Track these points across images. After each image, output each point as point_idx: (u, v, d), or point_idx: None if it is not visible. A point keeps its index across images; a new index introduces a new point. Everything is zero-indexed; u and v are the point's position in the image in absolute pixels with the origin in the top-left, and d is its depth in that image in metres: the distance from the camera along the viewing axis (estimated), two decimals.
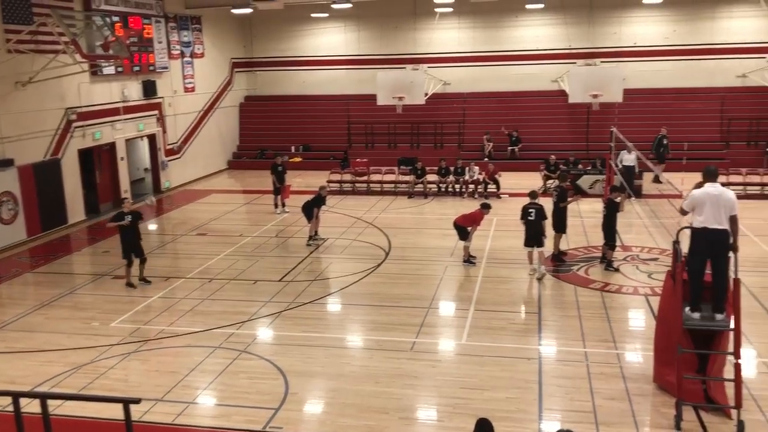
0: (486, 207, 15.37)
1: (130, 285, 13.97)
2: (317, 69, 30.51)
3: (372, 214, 20.16)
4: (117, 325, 12.08)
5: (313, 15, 28.79)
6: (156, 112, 24.16)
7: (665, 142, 23.62)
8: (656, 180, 21.93)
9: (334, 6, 25.19)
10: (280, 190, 20.57)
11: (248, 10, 24.97)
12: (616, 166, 20.73)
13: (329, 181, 23.92)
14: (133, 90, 22.71)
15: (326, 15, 28.84)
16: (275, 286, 13.91)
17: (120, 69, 21.69)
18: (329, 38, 30.23)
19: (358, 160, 25.64)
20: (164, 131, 24.68)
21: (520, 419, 8.52)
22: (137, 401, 5.72)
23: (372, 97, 25.94)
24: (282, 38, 30.62)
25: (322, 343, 11.10)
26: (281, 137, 29.49)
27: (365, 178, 24.32)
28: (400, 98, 24.85)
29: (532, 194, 14.66)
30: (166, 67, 24.44)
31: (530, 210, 14.19)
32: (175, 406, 9.13)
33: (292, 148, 29.06)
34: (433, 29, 28.71)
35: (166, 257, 16.66)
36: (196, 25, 26.75)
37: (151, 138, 24.25)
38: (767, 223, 17.53)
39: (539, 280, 13.86)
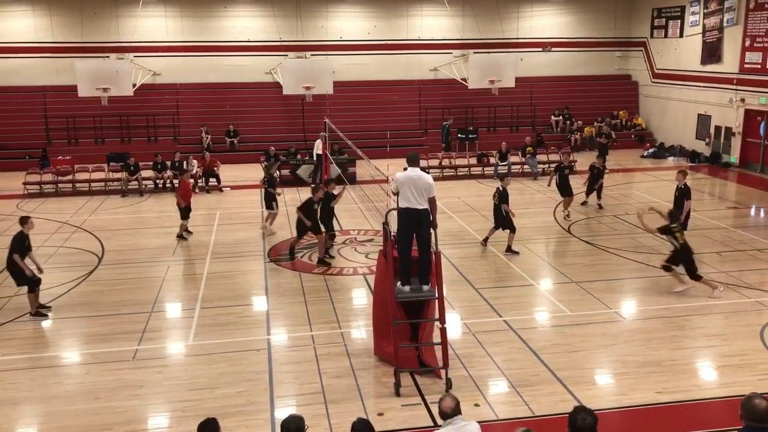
0: (184, 173, 16.94)
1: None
2: (3, 57, 26.94)
3: (80, 217, 18.49)
4: None
5: None
6: None
7: (450, 131, 25.88)
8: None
9: None
10: None
11: None
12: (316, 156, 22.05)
13: (26, 183, 21.42)
14: None
15: None
16: None
17: None
18: (16, 23, 26.90)
19: (60, 158, 23.37)
20: None
21: (251, 411, 8.51)
22: None
23: (72, 88, 23.77)
24: None
25: (27, 365, 9.90)
26: None
27: (69, 177, 22.20)
28: (105, 89, 23.11)
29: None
30: None
31: None
32: None
33: None
34: (138, 17, 27.12)
35: None
36: None
37: None
38: (461, 201, 19.77)
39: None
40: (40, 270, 11.80)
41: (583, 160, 25.63)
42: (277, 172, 18.73)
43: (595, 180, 18.64)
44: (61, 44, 27.07)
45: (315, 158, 22.41)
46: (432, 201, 9.26)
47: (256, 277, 13.72)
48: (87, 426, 8.25)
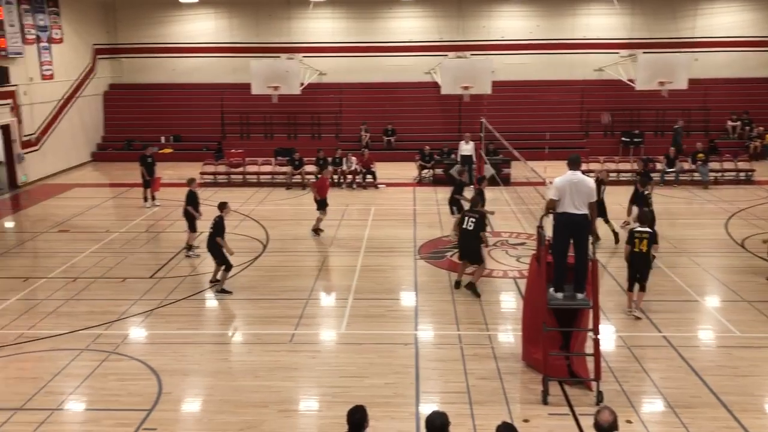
0: (324, 170, 17.73)
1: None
2: (188, 56, 29.45)
3: (248, 207, 19.78)
4: None
5: (182, 0, 27.74)
6: (9, 100, 22.38)
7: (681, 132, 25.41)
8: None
9: None
10: (149, 182, 19.71)
11: None
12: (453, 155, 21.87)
13: (202, 173, 23.26)
14: None
15: (196, 1, 27.88)
16: (146, 283, 13.35)
17: None
18: (200, 25, 29.24)
19: (233, 150, 25.04)
20: (19, 121, 22.93)
21: (397, 404, 8.70)
22: None
23: (246, 86, 25.38)
24: (149, 24, 29.25)
25: (198, 339, 10.79)
26: (150, 127, 28.26)
27: (241, 169, 23.81)
28: (275, 88, 24.48)
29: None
30: (20, 53, 22.65)
31: None
32: (37, 414, 8.56)
33: (162, 139, 27.94)
34: (308, 18, 28.52)
35: (25, 256, 15.54)
36: (52, 8, 24.98)
37: (5, 129, 22.43)
38: (623, 208, 18.81)
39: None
40: (231, 253, 12.87)
41: (763, 170, 23.51)
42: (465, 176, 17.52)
43: None
44: (238, 45, 29.09)
45: (459, 159, 22.34)
46: (592, 207, 8.92)
47: (406, 272, 13.95)
48: (246, 402, 8.84)
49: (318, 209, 16.83)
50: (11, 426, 8.26)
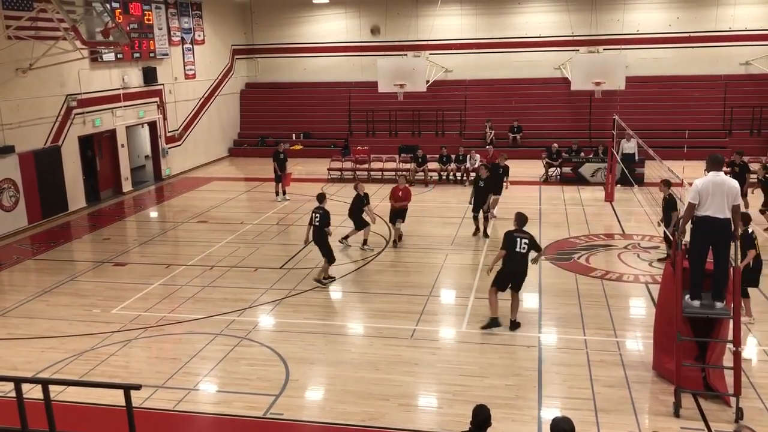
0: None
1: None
2: (318, 56, 30.39)
3: (372, 202, 20.00)
4: (118, 312, 12.11)
5: (314, 1, 28.65)
6: (156, 99, 24.11)
7: None
8: None
9: None
10: (281, 177, 20.55)
11: None
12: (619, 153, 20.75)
13: (329, 169, 23.91)
14: (133, 77, 22.65)
15: (327, 1, 28.69)
16: (276, 273, 13.93)
17: (120, 56, 21.63)
18: (330, 25, 30.07)
19: (358, 147, 25.59)
20: (165, 118, 24.66)
21: (519, 406, 8.55)
22: (138, 387, 5.75)
23: (373, 85, 25.81)
24: (282, 25, 30.48)
25: (323, 330, 11.12)
26: (282, 125, 29.45)
27: (366, 165, 24.28)
28: (401, 85, 24.72)
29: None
30: (166, 54, 24.35)
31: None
32: (175, 392, 9.17)
33: (293, 136, 29.01)
34: (435, 16, 28.50)
35: (167, 244, 16.68)
36: (196, 12, 26.63)
37: (152, 125, 24.20)
38: None
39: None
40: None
41: None
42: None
43: None
44: (366, 43, 29.63)
45: (621, 157, 21.29)
46: (736, 210, 8.31)
47: (531, 273, 13.55)
48: (367, 393, 9.01)
49: (390, 221, 16.12)
50: (153, 402, 8.90)
